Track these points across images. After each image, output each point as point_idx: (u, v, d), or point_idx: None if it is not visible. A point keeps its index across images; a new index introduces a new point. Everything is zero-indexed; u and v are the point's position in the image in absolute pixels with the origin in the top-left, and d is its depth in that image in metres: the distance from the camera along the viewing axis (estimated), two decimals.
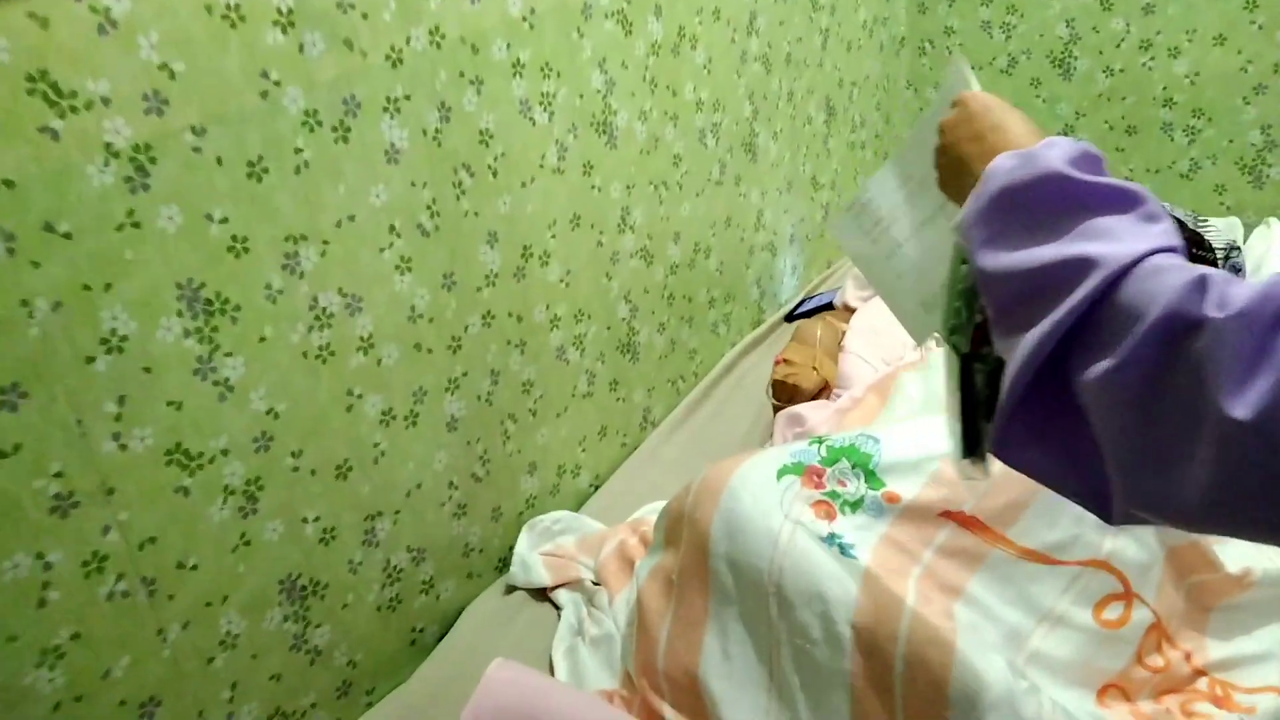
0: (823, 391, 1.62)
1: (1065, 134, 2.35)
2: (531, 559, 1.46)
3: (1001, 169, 0.67)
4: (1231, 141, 2.18)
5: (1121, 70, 2.22)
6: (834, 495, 1.23)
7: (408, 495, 1.29)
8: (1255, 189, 2.19)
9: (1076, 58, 2.26)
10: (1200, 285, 0.54)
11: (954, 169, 0.78)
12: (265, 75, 1.00)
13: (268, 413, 1.08)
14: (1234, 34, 2.06)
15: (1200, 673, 1.20)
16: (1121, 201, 0.62)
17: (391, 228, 1.18)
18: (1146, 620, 1.18)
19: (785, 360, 1.61)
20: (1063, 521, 1.19)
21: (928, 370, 1.56)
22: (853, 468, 1.25)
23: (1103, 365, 0.56)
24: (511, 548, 1.48)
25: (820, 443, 1.29)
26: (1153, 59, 2.18)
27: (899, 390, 1.55)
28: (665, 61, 1.61)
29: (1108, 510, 0.61)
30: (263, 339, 1.05)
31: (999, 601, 1.19)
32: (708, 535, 1.23)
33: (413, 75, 1.17)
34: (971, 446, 0.86)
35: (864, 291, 1.90)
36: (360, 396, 1.19)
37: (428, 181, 1.22)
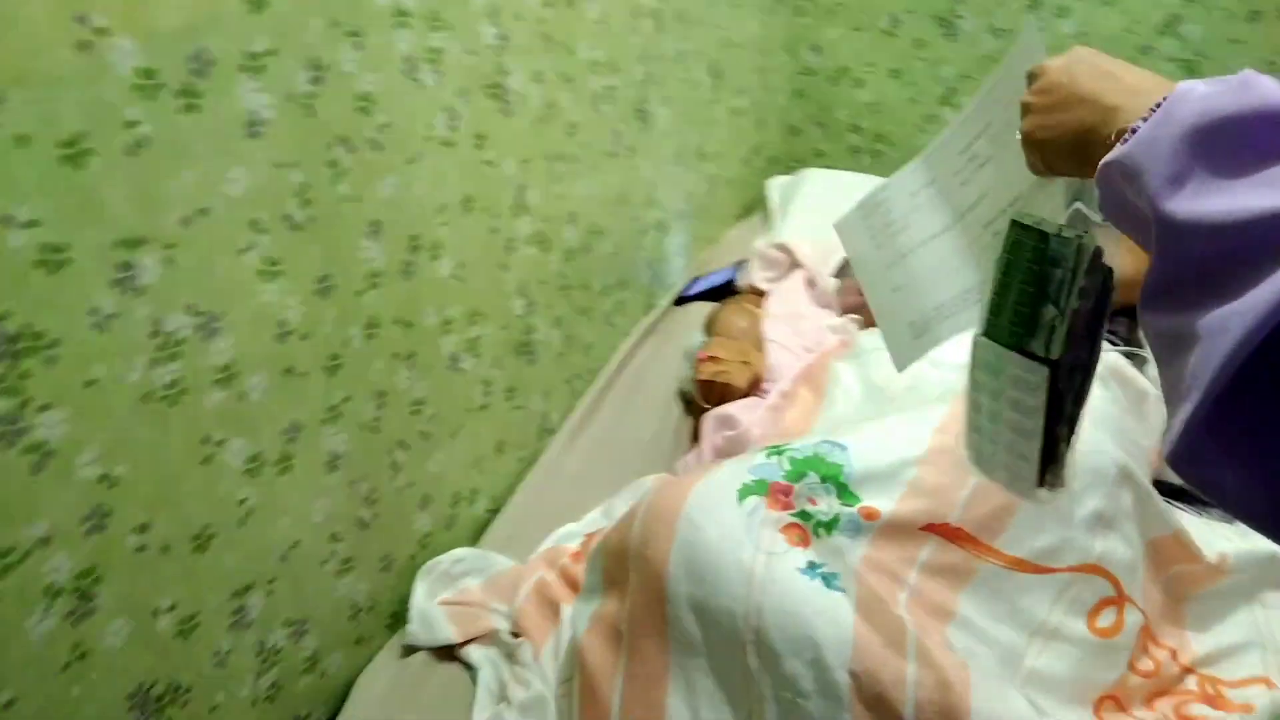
0: (753, 387, 1.45)
1: (948, 99, 2.27)
2: (432, 611, 1.23)
3: (1198, 91, 0.52)
4: None
5: (1008, 30, 2.14)
6: (805, 516, 1.06)
7: (283, 559, 1.03)
8: None
9: (962, 17, 2.17)
10: None
11: (1067, 105, 0.63)
12: (82, 21, 0.71)
13: (101, 480, 0.80)
14: None
15: (1188, 670, 1.12)
16: None
17: (254, 222, 0.91)
18: (1138, 624, 1.09)
19: (712, 357, 1.42)
20: (1050, 525, 1.07)
21: (861, 358, 1.41)
22: (822, 481, 1.08)
23: None
24: (406, 600, 1.24)
25: (780, 454, 1.11)
26: (1040, 19, 2.11)
27: (834, 381, 1.40)
28: (560, 14, 1.37)
29: None
30: (90, 383, 0.77)
31: (990, 620, 1.05)
32: (664, 575, 1.04)
33: (278, 24, 0.89)
34: (1045, 462, 0.71)
35: (770, 272, 1.74)
36: (220, 443, 0.92)
37: (298, 161, 0.95)
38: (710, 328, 1.63)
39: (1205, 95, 0.51)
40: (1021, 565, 1.03)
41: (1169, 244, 0.51)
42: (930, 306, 0.87)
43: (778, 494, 1.05)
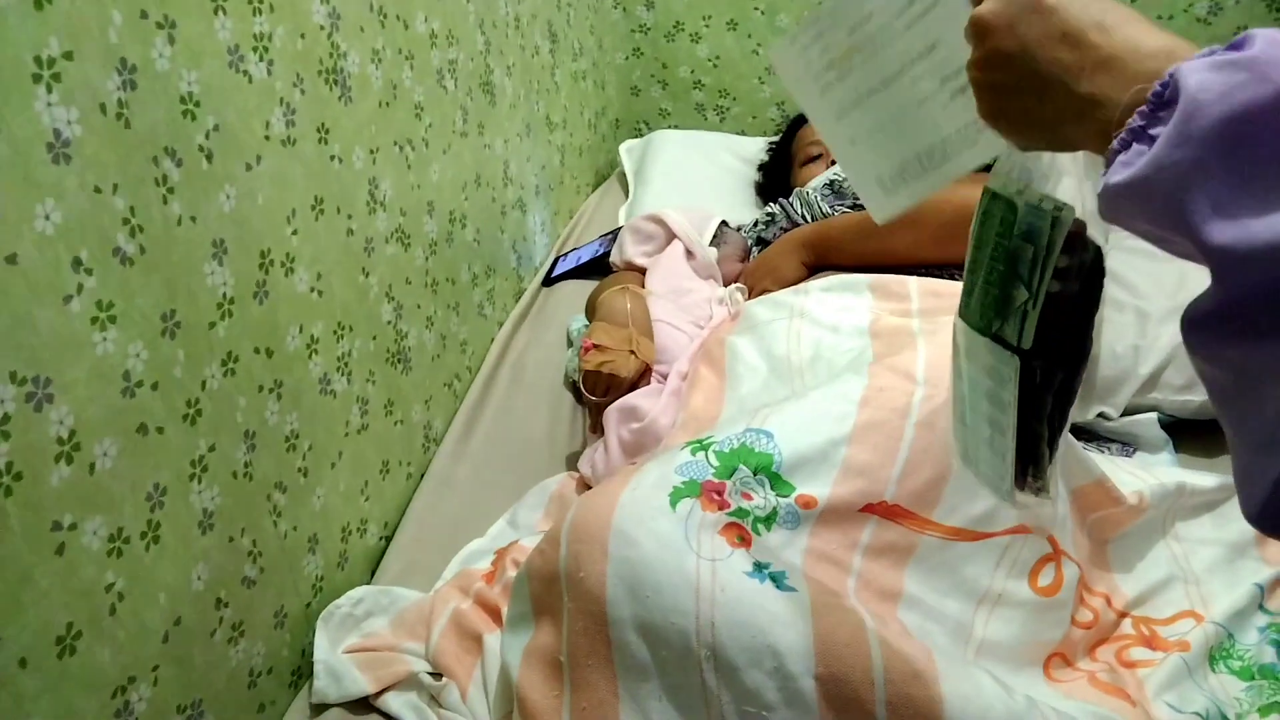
0: (643, 376, 1.37)
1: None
2: (338, 662, 1.10)
3: (1212, 88, 0.42)
4: None
5: None
6: (742, 514, 0.99)
7: (165, 640, 0.89)
8: None
9: None
10: None
11: (1028, 91, 0.52)
12: None
13: None
14: None
15: (1123, 615, 1.13)
16: None
17: (77, 261, 0.76)
18: (1075, 576, 1.08)
19: (596, 346, 1.33)
20: (984, 490, 1.04)
21: (757, 330, 1.36)
22: (754, 474, 1.02)
23: None
24: (306, 653, 1.11)
25: (704, 448, 1.04)
26: None
27: (734, 357, 1.34)
28: None
29: None
30: None
31: (936, 595, 1.02)
32: (603, 598, 0.95)
33: (71, 19, 0.74)
34: (1025, 463, 0.64)
35: (646, 245, 1.65)
36: (73, 527, 0.77)
37: (118, 183, 0.80)
38: (592, 313, 1.54)
39: (1225, 92, 0.42)
40: (960, 534, 1.00)
41: (1230, 276, 0.43)
42: (895, 162, 0.76)
43: (711, 493, 0.98)
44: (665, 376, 1.38)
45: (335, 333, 1.16)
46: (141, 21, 0.81)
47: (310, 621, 1.13)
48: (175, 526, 0.90)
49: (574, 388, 1.53)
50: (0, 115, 0.68)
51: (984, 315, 0.61)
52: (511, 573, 1.16)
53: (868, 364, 1.13)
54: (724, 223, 1.68)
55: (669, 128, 2.40)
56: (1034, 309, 0.57)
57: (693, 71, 2.33)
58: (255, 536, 1.02)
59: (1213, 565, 1.16)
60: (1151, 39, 0.48)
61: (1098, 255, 0.56)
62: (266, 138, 0.99)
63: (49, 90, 0.72)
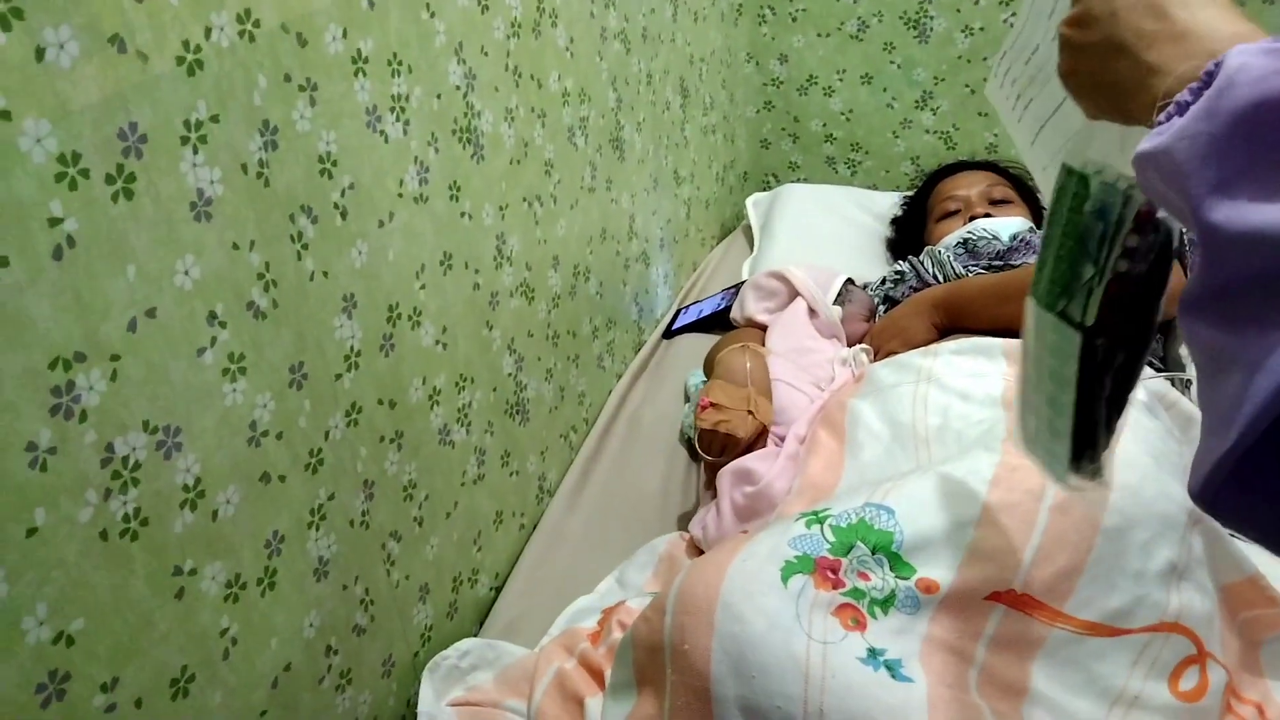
0: (760, 437, 1.34)
1: (924, 102, 2.18)
2: (442, 714, 1.10)
3: (1251, 71, 0.42)
4: None
5: (981, 29, 2.07)
6: (858, 594, 0.95)
7: (274, 685, 0.90)
8: None
9: (932, 17, 2.09)
10: None
11: (1103, 54, 0.54)
12: None
13: (56, 641, 0.67)
14: None
15: None
16: None
17: (212, 315, 0.79)
18: (1223, 681, 0.99)
19: (713, 404, 1.31)
20: (1123, 583, 0.96)
21: (880, 394, 1.31)
22: (872, 553, 0.97)
23: None
24: (411, 704, 1.11)
25: (820, 521, 1.00)
26: (1013, 14, 2.03)
27: (854, 423, 1.29)
28: (527, 44, 1.26)
29: None
30: (33, 530, 0.65)
31: (1066, 692, 0.95)
32: (707, 674, 0.92)
33: (219, 84, 0.77)
34: (1082, 447, 0.63)
35: (768, 302, 1.63)
36: (193, 572, 0.80)
37: (255, 240, 0.83)
38: (710, 369, 1.52)
39: (1261, 76, 0.42)
40: (1095, 629, 0.93)
41: (1217, 256, 0.44)
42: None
43: (825, 570, 0.94)
44: (783, 438, 1.35)
45: (457, 384, 1.17)
46: (285, 84, 0.84)
47: (417, 671, 1.13)
48: (291, 573, 0.91)
49: (689, 444, 1.51)
50: (149, 176, 0.72)
51: (1051, 292, 0.61)
52: (617, 634, 1.15)
53: (1000, 439, 1.07)
54: (850, 280, 1.64)
55: (798, 181, 2.37)
56: (1099, 285, 0.57)
57: (824, 125, 2.30)
58: (368, 585, 1.04)
59: None
60: (1228, 24, 0.49)
61: (1168, 237, 0.56)
62: (399, 195, 1.02)
63: (195, 151, 0.76)
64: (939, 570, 0.95)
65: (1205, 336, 0.46)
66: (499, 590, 1.31)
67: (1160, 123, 0.47)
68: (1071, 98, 0.59)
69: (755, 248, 2.08)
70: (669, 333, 1.85)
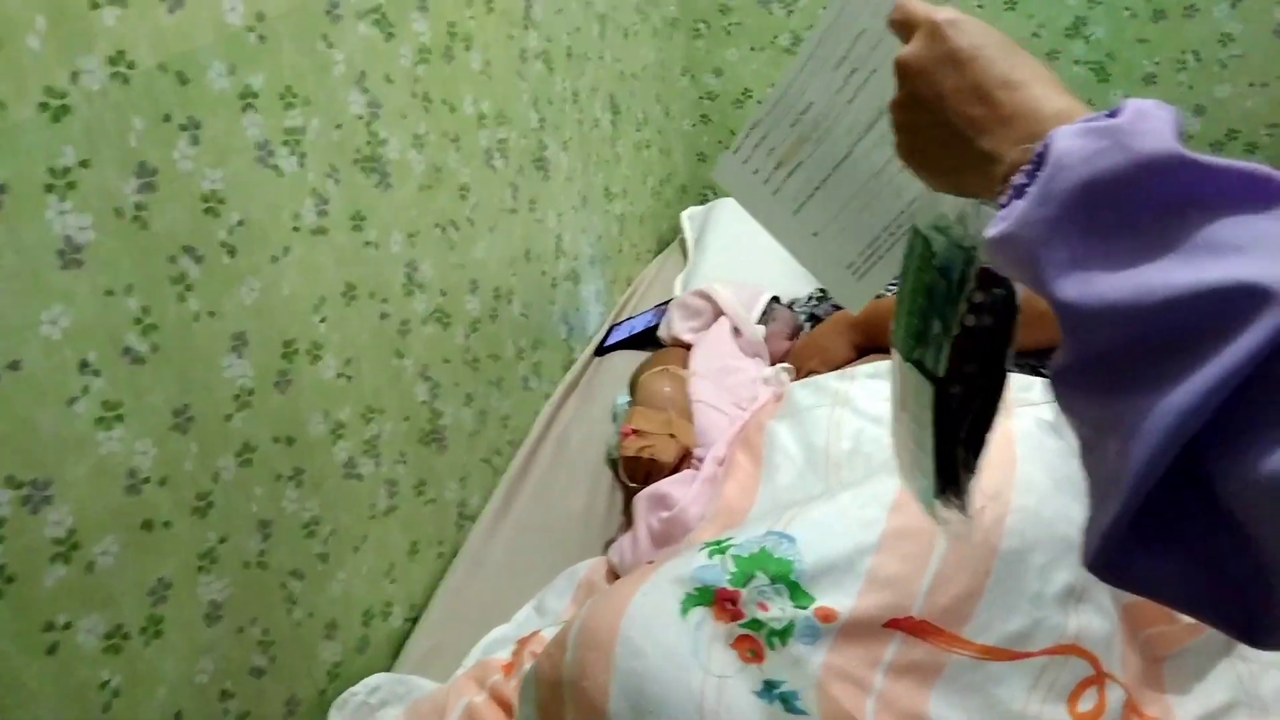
0: (684, 460, 1.34)
1: None
2: None
3: (1075, 154, 0.45)
4: None
5: None
6: (756, 625, 0.95)
7: None
8: None
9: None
10: None
11: (937, 139, 0.55)
12: None
13: None
14: None
15: None
16: (1267, 193, 0.43)
17: (83, 364, 0.77)
18: (1121, 700, 1.00)
19: (635, 431, 1.31)
20: (1021, 606, 0.97)
21: (797, 415, 1.31)
22: (771, 582, 0.97)
23: None
24: None
25: (722, 551, 1.00)
26: None
27: (771, 444, 1.29)
28: (438, 69, 1.25)
29: (1261, 635, 0.44)
30: None
31: (965, 717, 0.95)
32: (604, 711, 0.92)
33: (89, 129, 0.76)
34: (946, 483, 0.65)
35: (693, 321, 1.63)
36: (68, 626, 0.78)
37: (132, 284, 0.81)
38: (635, 397, 1.51)
39: (1087, 158, 0.45)
40: (993, 653, 0.94)
41: (1076, 332, 0.46)
42: (864, 242, 0.78)
43: (725, 602, 0.94)
44: (703, 460, 1.35)
45: (364, 416, 1.16)
46: (164, 124, 0.83)
47: (325, 709, 1.12)
48: (179, 620, 0.90)
49: (614, 466, 1.51)
50: (9, 227, 0.70)
51: (907, 343, 0.64)
52: (529, 665, 1.14)
53: None
54: (775, 299, 1.65)
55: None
56: (947, 339, 0.60)
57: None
58: (267, 625, 1.02)
59: None
60: (1051, 102, 0.50)
61: (1011, 292, 0.59)
62: (296, 229, 1.00)
63: (62, 199, 0.74)
64: (838, 598, 0.95)
65: (1080, 408, 0.47)
66: (415, 622, 1.30)
67: (1003, 206, 0.48)
68: (917, 177, 0.60)
69: (688, 263, 2.08)
70: (601, 350, 1.84)
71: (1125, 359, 0.44)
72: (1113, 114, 0.46)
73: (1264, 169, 0.43)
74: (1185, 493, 0.43)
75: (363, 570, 1.18)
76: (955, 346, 0.59)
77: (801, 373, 1.48)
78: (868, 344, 1.49)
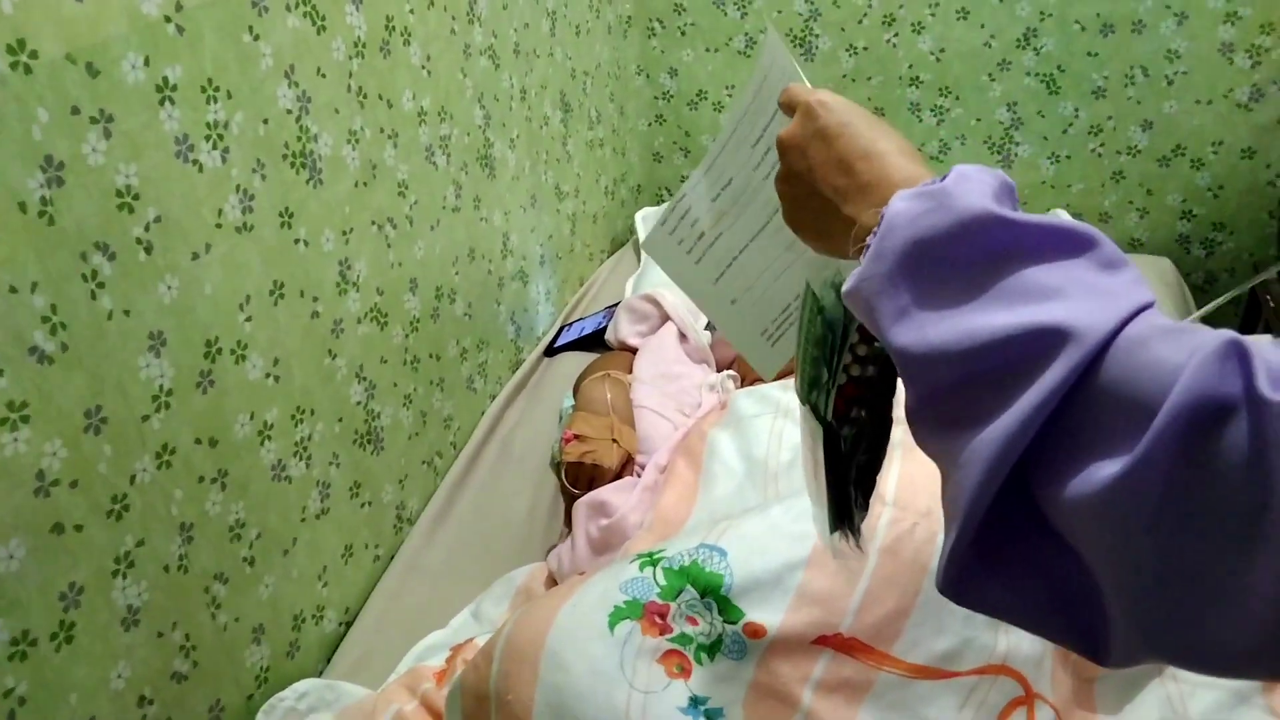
0: (626, 466, 1.32)
1: None
2: None
3: (904, 215, 0.50)
4: (979, 120, 2.10)
5: (865, 48, 2.08)
6: (684, 640, 0.94)
7: None
8: (1005, 168, 2.13)
9: (818, 35, 2.10)
10: (1232, 355, 0.40)
11: (812, 207, 0.61)
12: None
13: None
14: (976, 8, 1.96)
15: None
16: (1071, 245, 0.48)
17: None
18: None
19: (577, 436, 1.29)
20: (952, 624, 0.97)
21: (739, 424, 1.30)
22: (701, 596, 0.96)
23: (1099, 474, 0.42)
24: None
25: (654, 564, 0.99)
26: (897, 35, 2.05)
27: (711, 454, 1.28)
28: (374, 64, 1.22)
29: (1104, 651, 0.47)
30: None
31: None
32: None
33: None
34: (841, 518, 0.70)
35: (640, 325, 1.62)
36: None
37: (38, 281, 0.78)
38: (576, 403, 1.50)
39: (912, 220, 0.50)
40: (922, 672, 0.94)
41: (912, 374, 0.50)
42: (778, 310, 0.83)
43: (654, 616, 0.93)
44: (644, 467, 1.34)
45: (293, 417, 1.13)
46: (72, 117, 0.80)
47: (252, 714, 1.09)
48: (93, 625, 0.87)
49: (558, 470, 1.49)
50: None
51: (802, 387, 0.69)
52: (456, 676, 1.12)
53: None
54: None
55: None
56: (833, 387, 0.64)
57: (713, 139, 2.30)
58: (189, 630, 1.00)
59: (1212, 712, 1.07)
60: (902, 171, 0.55)
61: None
62: (218, 225, 0.98)
63: None
64: (767, 614, 0.95)
65: (929, 444, 0.51)
66: (349, 625, 1.28)
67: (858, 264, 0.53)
68: (802, 241, 0.65)
69: (640, 265, 2.07)
70: (551, 350, 1.83)
71: (955, 397, 0.48)
72: (943, 178, 0.51)
73: (1070, 223, 0.48)
74: (1021, 519, 0.47)
75: (293, 574, 1.16)
76: (843, 393, 0.64)
77: (747, 380, 1.47)
78: None
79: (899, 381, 0.64)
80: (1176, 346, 0.42)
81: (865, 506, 0.68)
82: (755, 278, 0.82)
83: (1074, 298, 0.45)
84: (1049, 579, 0.47)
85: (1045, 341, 0.44)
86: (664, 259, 0.87)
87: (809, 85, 0.67)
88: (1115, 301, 0.45)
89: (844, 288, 0.53)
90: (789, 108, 0.64)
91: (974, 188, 0.50)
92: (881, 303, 0.50)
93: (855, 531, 0.69)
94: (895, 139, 0.58)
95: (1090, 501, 0.42)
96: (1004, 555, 0.48)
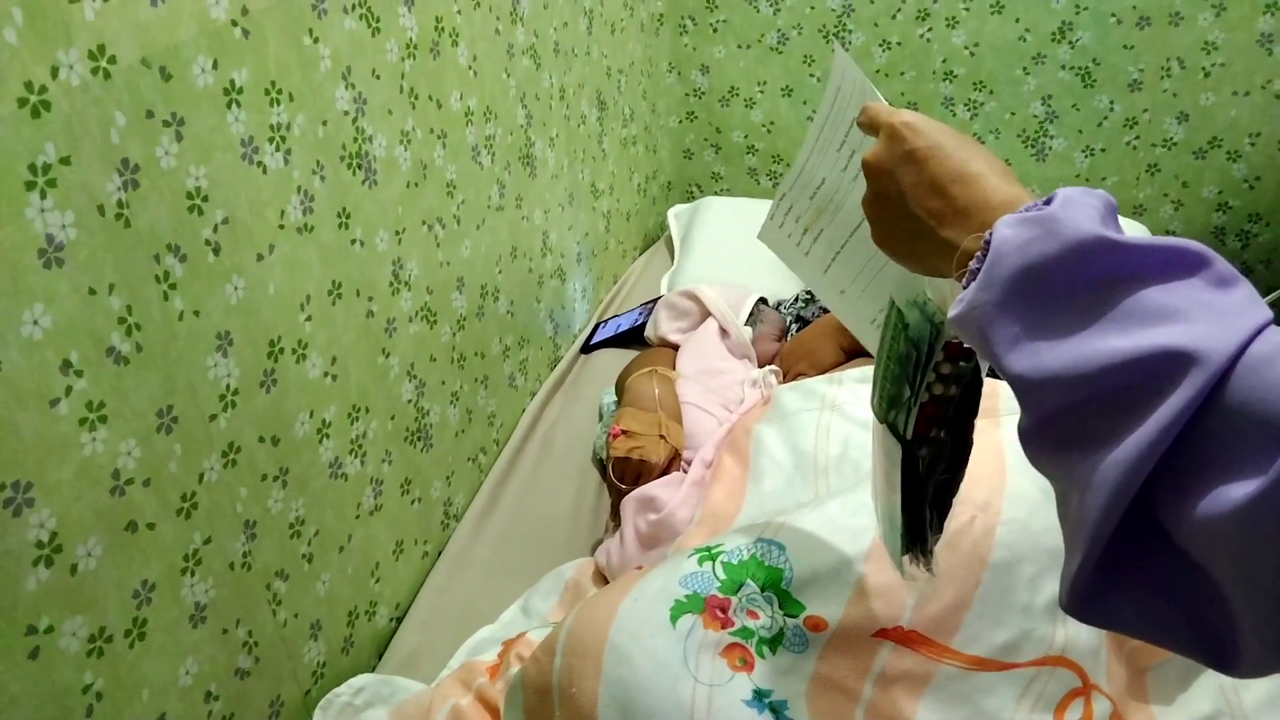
0: (672, 462, 1.33)
1: None
2: None
3: (1012, 242, 0.51)
4: (1013, 114, 2.09)
5: (899, 43, 2.08)
6: (746, 634, 0.95)
7: None
8: (1038, 162, 2.13)
9: (851, 30, 2.10)
10: None
11: (904, 229, 0.62)
12: None
13: None
14: (1011, 2, 1.96)
15: None
16: (1184, 264, 0.48)
17: (66, 364, 0.76)
18: (1107, 712, 1.00)
19: (625, 431, 1.30)
20: (1010, 617, 0.97)
21: (785, 420, 1.31)
22: (762, 590, 0.97)
23: (1231, 494, 0.42)
24: None
25: (712, 558, 1.00)
26: (930, 30, 2.04)
27: (758, 449, 1.29)
28: (424, 65, 1.23)
29: (1233, 663, 0.47)
30: None
31: None
32: (593, 719, 0.91)
33: (70, 124, 0.74)
34: (914, 539, 0.71)
35: (680, 322, 1.62)
36: (50, 630, 0.77)
37: (115, 283, 0.80)
38: (620, 395, 1.51)
39: (1020, 246, 0.50)
40: (982, 664, 0.94)
41: (1028, 399, 0.51)
42: (882, 302, 0.82)
43: (715, 610, 0.93)
44: (691, 463, 1.34)
45: (349, 415, 1.14)
46: (147, 121, 0.81)
47: (309, 710, 1.11)
48: (163, 622, 0.88)
49: (601, 465, 1.50)
50: None
51: (881, 405, 0.69)
52: (515, 668, 1.13)
53: None
54: (762, 300, 1.64)
55: (721, 192, 2.37)
56: (915, 405, 0.65)
57: (746, 136, 2.30)
58: (251, 627, 1.01)
59: (1267, 702, 1.07)
60: (999, 193, 0.56)
61: (977, 365, 0.64)
62: (281, 227, 0.99)
63: (43, 196, 0.72)
64: (828, 607, 0.95)
65: (1045, 464, 0.52)
66: (400, 621, 1.29)
67: (963, 289, 0.53)
68: (893, 260, 0.65)
69: (674, 261, 2.07)
70: (587, 348, 1.83)
71: (1074, 421, 0.48)
72: (1047, 201, 0.52)
73: (1181, 243, 0.48)
74: (1146, 537, 0.47)
75: (348, 570, 1.17)
76: (923, 413, 0.64)
77: (789, 375, 1.48)
78: (855, 347, 1.48)
79: (980, 402, 0.65)
80: None
81: (940, 528, 0.68)
82: (858, 271, 0.83)
83: (1193, 319, 0.45)
84: (1174, 595, 0.48)
85: (1168, 364, 0.45)
86: (777, 249, 0.89)
87: (885, 102, 0.67)
88: (1235, 321, 0.45)
89: (951, 314, 0.53)
90: (870, 127, 0.65)
91: (1080, 212, 0.50)
92: (994, 330, 0.50)
93: (928, 554, 0.69)
94: (986, 158, 0.58)
95: (1223, 521, 0.42)
96: (1129, 574, 0.49)
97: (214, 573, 0.94)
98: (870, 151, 0.63)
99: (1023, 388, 0.50)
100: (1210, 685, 1.08)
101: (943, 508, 0.68)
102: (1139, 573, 0.49)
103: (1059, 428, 0.49)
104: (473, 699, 1.12)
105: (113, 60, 0.77)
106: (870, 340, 0.88)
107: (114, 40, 0.77)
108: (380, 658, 1.24)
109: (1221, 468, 0.43)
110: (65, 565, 0.78)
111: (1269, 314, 0.46)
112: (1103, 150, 2.10)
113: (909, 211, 0.60)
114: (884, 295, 0.81)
